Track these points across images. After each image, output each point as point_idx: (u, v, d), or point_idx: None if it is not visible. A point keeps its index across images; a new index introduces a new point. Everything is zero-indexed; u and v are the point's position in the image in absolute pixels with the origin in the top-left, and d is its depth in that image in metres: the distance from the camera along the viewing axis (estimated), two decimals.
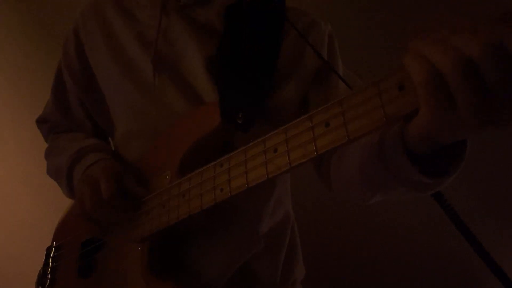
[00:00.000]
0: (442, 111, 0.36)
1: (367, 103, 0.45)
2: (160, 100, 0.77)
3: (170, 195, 0.68)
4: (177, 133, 0.74)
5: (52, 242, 0.94)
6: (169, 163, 0.72)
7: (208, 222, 0.74)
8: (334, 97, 0.74)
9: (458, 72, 0.34)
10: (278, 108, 0.75)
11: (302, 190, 0.96)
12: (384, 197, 0.62)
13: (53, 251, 0.92)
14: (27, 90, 1.68)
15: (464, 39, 0.34)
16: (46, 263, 0.92)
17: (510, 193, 1.39)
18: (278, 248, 0.84)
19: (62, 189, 0.90)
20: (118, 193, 0.70)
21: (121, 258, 0.74)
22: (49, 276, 0.89)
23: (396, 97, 0.42)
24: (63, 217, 0.96)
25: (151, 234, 0.70)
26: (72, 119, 0.94)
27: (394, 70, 0.43)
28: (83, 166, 0.79)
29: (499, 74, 0.32)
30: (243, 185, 0.57)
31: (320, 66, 0.79)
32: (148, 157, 0.78)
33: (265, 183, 0.79)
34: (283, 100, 0.76)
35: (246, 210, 0.78)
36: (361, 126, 0.45)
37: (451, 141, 0.41)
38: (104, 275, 0.77)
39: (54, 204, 0.98)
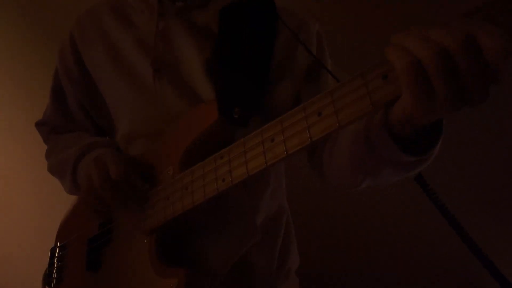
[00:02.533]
0: (423, 96, 0.41)
1: (355, 92, 0.50)
2: (161, 102, 0.80)
3: (173, 188, 0.72)
4: (178, 131, 0.77)
5: (56, 243, 0.96)
6: (171, 159, 0.76)
7: (209, 215, 0.78)
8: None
9: (435, 62, 0.39)
10: (274, 105, 0.78)
11: (298, 183, 1.00)
12: (373, 180, 0.66)
13: (57, 250, 0.94)
14: (28, 91, 1.69)
15: (440, 33, 0.39)
16: (51, 263, 0.94)
17: (507, 192, 1.44)
18: (273, 239, 0.88)
19: (64, 185, 0.91)
20: (126, 176, 0.73)
21: (129, 251, 0.78)
22: (55, 275, 0.91)
23: (381, 85, 0.47)
24: (65, 217, 0.99)
25: (158, 226, 0.73)
26: (73, 122, 0.96)
27: (378, 62, 0.49)
28: (91, 157, 0.81)
29: (470, 63, 0.38)
30: (244, 174, 0.61)
31: (311, 64, 0.82)
32: (150, 155, 0.81)
33: (261, 177, 0.85)
34: (279, 97, 0.79)
35: (243, 203, 0.81)
36: (351, 113, 0.50)
37: (430, 121, 0.46)
38: (113, 268, 0.80)
39: (56, 205, 1.00)
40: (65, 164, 0.87)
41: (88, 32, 0.88)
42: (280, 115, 0.59)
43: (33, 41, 1.67)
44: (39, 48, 1.65)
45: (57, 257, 0.93)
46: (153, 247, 0.74)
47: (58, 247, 0.94)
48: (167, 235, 0.76)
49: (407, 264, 1.52)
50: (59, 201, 0.94)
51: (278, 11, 0.83)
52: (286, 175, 0.95)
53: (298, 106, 0.81)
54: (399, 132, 0.51)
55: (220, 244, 0.79)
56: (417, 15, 1.21)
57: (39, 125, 1.02)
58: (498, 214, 1.45)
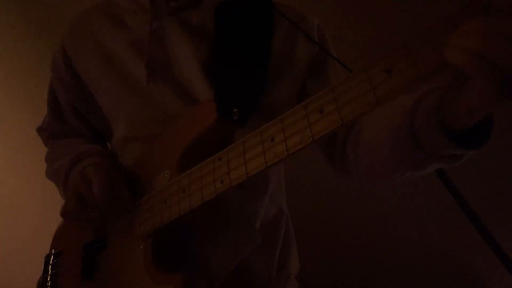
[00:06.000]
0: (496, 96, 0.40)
1: (358, 88, 0.48)
2: (156, 104, 0.78)
3: (170, 191, 0.70)
4: (174, 132, 0.75)
5: (51, 250, 0.94)
6: (168, 162, 0.74)
7: (207, 219, 0.76)
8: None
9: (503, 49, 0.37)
10: (273, 103, 0.77)
11: (297, 189, 0.99)
12: (415, 173, 0.63)
13: (52, 258, 0.92)
14: (28, 91, 1.69)
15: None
16: (45, 271, 0.91)
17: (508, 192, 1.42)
18: (272, 243, 0.86)
19: (59, 192, 0.90)
20: (109, 192, 0.73)
21: (124, 257, 0.75)
22: (49, 283, 0.89)
23: (385, 80, 0.46)
24: (61, 224, 0.97)
25: (154, 230, 0.71)
26: (69, 128, 0.96)
27: (379, 55, 0.47)
28: (80, 168, 0.80)
29: None
30: (243, 175, 0.59)
31: (314, 57, 0.80)
32: (146, 158, 0.80)
33: (260, 180, 0.83)
34: (278, 95, 0.78)
35: (242, 206, 0.79)
36: (353, 109, 0.49)
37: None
38: (108, 275, 0.77)
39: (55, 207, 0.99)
40: (58, 174, 0.87)
41: (79, 38, 0.88)
42: (280, 113, 0.58)
43: (37, 41, 1.68)
44: (43, 48, 1.64)
45: (51, 264, 0.91)
46: (149, 252, 0.72)
47: (53, 254, 0.92)
48: (164, 240, 0.74)
49: (410, 268, 1.50)
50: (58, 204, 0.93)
51: (276, 6, 0.81)
52: (286, 177, 0.93)
53: (303, 101, 0.81)
54: (452, 125, 0.49)
55: (219, 248, 0.77)
56: (419, 12, 1.20)
57: (39, 130, 1.04)
58: (498, 214, 1.42)
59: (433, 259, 1.43)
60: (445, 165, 0.58)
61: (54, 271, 0.90)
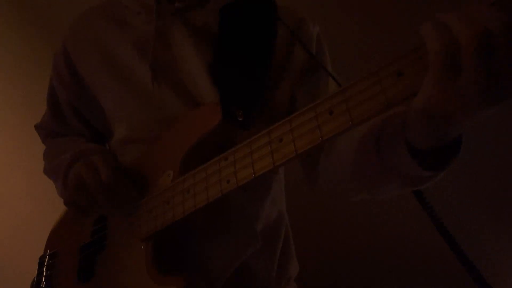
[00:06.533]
0: (446, 80, 0.38)
1: (369, 90, 0.48)
2: (159, 105, 0.77)
3: (174, 192, 0.69)
4: (177, 133, 0.74)
5: (46, 251, 0.92)
6: (171, 163, 0.73)
7: (209, 221, 0.75)
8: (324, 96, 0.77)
9: (474, 44, 0.36)
10: (275, 106, 0.77)
11: (297, 190, 0.99)
12: (371, 193, 0.64)
13: (47, 259, 0.90)
14: (28, 89, 1.67)
15: (490, 14, 0.36)
16: (40, 272, 0.90)
17: (508, 192, 1.43)
18: (273, 246, 0.86)
19: (56, 188, 0.89)
20: (117, 181, 0.72)
21: (124, 259, 0.74)
22: (43, 285, 0.87)
23: (396, 82, 0.46)
24: (55, 225, 0.95)
25: (155, 232, 0.70)
26: (68, 127, 0.96)
27: (392, 58, 0.47)
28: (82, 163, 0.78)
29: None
30: (250, 174, 0.58)
31: (307, 65, 0.80)
32: (147, 158, 0.79)
33: (263, 183, 0.83)
34: (279, 98, 0.78)
35: (244, 209, 0.79)
36: (364, 110, 0.48)
37: (452, 129, 0.43)
38: (107, 276, 0.76)
39: (53, 206, 0.97)
40: (57, 171, 0.85)
41: (81, 38, 0.87)
42: (281, 116, 0.58)
43: (35, 39, 1.66)
44: (42, 47, 1.63)
45: (46, 265, 0.89)
46: (150, 254, 0.71)
47: (48, 255, 0.90)
48: (165, 241, 0.73)
49: (410, 268, 1.51)
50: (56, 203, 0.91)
51: (278, 9, 0.81)
52: (286, 177, 0.93)
53: (294, 107, 0.80)
54: (416, 139, 0.48)
55: (220, 250, 0.77)
56: (419, 12, 1.21)
57: (38, 128, 1.03)
58: (498, 214, 1.44)
59: (433, 259, 1.44)
60: (405, 189, 0.57)
61: (48, 272, 0.88)
